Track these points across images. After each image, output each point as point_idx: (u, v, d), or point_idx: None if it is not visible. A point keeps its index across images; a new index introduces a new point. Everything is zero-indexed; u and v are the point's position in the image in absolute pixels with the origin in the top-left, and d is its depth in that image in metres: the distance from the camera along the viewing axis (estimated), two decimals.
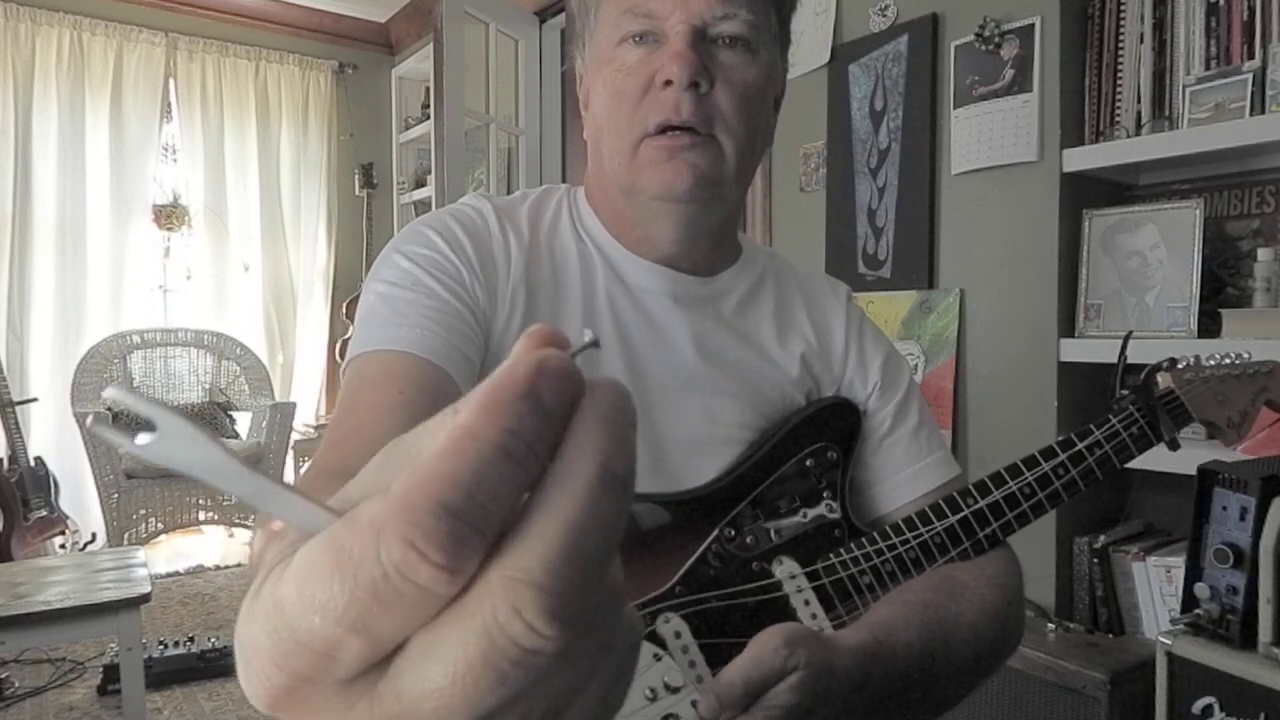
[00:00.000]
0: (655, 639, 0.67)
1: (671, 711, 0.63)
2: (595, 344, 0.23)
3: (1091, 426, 0.83)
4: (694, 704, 0.62)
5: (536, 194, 0.86)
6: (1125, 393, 0.87)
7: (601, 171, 0.80)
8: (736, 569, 0.73)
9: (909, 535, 0.77)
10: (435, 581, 0.19)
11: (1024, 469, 0.80)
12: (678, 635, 0.68)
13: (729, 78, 0.73)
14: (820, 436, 0.81)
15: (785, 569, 0.74)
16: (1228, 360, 0.91)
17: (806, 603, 0.73)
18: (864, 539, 0.77)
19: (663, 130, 0.72)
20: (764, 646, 0.60)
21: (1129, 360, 0.93)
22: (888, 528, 0.78)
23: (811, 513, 0.78)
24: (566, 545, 0.20)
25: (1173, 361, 0.89)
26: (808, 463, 0.80)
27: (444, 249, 0.75)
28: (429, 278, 0.73)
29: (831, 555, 0.76)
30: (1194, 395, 0.87)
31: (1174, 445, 0.86)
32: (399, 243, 0.77)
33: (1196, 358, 0.91)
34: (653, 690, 0.64)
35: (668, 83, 0.71)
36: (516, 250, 0.78)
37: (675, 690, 0.64)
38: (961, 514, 0.78)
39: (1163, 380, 0.88)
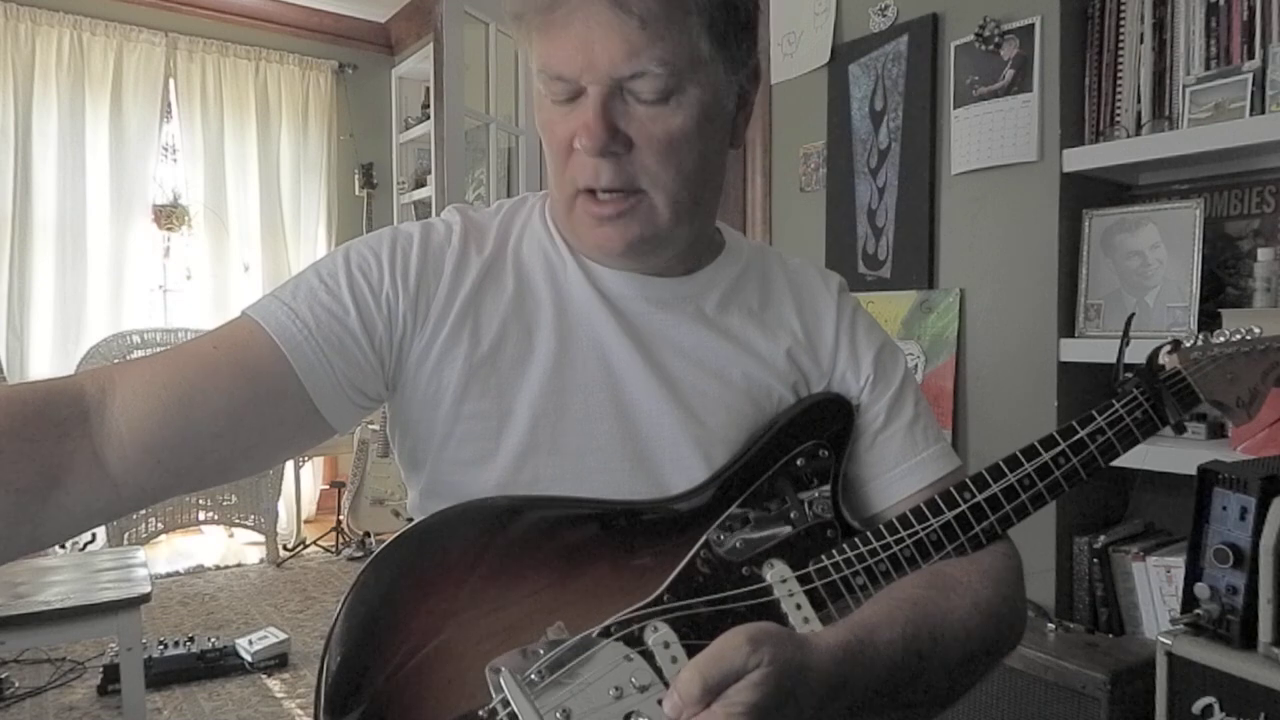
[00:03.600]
0: (644, 651, 0.66)
1: (635, 709, 0.63)
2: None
3: (1093, 413, 0.81)
4: (659, 702, 0.62)
5: (510, 204, 0.87)
6: (1129, 376, 0.86)
7: (553, 198, 0.82)
8: (726, 574, 0.72)
9: (903, 533, 0.76)
10: None
11: (1023, 460, 0.78)
12: (666, 645, 0.67)
13: (649, 133, 0.71)
14: (810, 435, 0.80)
15: (776, 572, 0.73)
16: (1238, 336, 0.88)
17: (798, 606, 0.72)
18: (857, 539, 0.76)
19: (590, 190, 0.74)
20: (726, 643, 0.60)
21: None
22: (881, 526, 0.77)
23: (803, 514, 0.77)
24: None
25: (1177, 343, 0.87)
26: (798, 462, 0.79)
27: (384, 262, 0.76)
28: (346, 280, 0.75)
29: (824, 557, 0.75)
30: (1201, 375, 0.85)
31: (1180, 429, 0.84)
32: (362, 238, 0.80)
33: (1205, 335, 0.88)
34: (619, 689, 0.64)
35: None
36: (476, 264, 0.79)
37: (643, 689, 0.64)
38: (958, 509, 0.77)
39: (1168, 362, 0.86)
